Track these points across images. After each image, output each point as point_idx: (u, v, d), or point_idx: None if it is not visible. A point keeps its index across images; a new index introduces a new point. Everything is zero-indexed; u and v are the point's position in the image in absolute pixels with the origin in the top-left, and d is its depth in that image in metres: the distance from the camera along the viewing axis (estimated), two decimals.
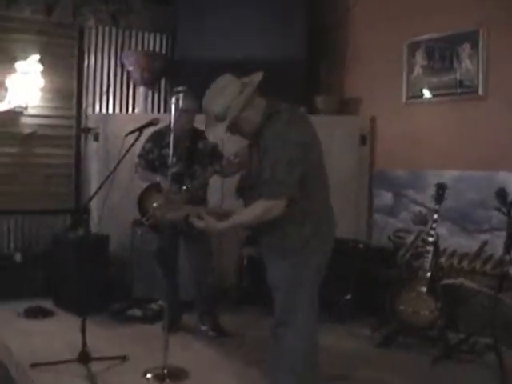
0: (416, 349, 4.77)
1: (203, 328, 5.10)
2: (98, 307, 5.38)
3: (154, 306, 5.51)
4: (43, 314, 5.47)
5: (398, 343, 4.85)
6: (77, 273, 5.37)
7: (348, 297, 5.48)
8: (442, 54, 5.70)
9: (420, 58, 5.87)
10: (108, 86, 6.74)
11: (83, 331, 4.14)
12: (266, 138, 3.13)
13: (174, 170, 4.50)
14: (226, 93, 3.17)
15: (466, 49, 5.48)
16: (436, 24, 5.66)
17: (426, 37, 5.78)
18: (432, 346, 4.72)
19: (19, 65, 6.06)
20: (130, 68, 6.63)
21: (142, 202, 4.91)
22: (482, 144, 5.35)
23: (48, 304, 5.68)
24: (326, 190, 3.39)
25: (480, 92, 5.37)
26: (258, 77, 3.23)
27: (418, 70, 5.90)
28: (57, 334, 4.97)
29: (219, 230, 3.27)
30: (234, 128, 3.24)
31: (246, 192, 3.35)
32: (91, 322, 4.42)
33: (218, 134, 3.25)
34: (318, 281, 3.35)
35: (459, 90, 5.56)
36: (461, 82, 5.53)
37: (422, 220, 5.59)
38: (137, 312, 5.48)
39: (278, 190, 3.09)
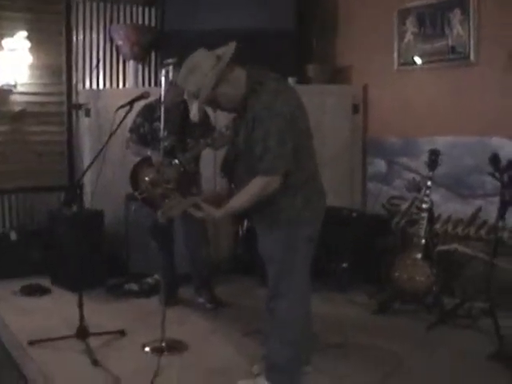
0: (412, 315, 4.79)
1: (200, 300, 5.12)
2: (94, 283, 5.41)
3: (150, 280, 5.52)
4: (40, 291, 5.48)
5: (394, 310, 4.87)
6: (72, 249, 5.35)
7: (344, 265, 5.49)
8: (432, 21, 5.66)
9: (411, 25, 5.83)
10: (98, 61, 6.67)
11: (80, 306, 4.15)
12: (254, 110, 3.09)
13: (165, 143, 4.49)
14: (198, 71, 3.10)
15: (456, 15, 5.45)
16: None
17: (416, 3, 5.75)
18: (428, 311, 4.75)
19: (6, 42, 6.00)
20: (120, 42, 6.57)
21: (135, 176, 4.90)
22: (474, 110, 5.34)
23: (45, 281, 5.68)
24: (314, 161, 3.37)
25: (472, 58, 5.35)
26: (230, 49, 3.15)
27: (409, 36, 5.87)
28: (54, 310, 4.99)
29: (220, 217, 3.23)
30: (212, 104, 3.21)
31: (232, 168, 3.34)
32: (88, 298, 4.44)
33: (195, 114, 3.20)
34: (311, 251, 3.37)
35: (451, 57, 5.53)
36: (452, 48, 5.50)
37: (416, 187, 5.60)
38: (133, 286, 5.49)
39: (274, 165, 3.07)
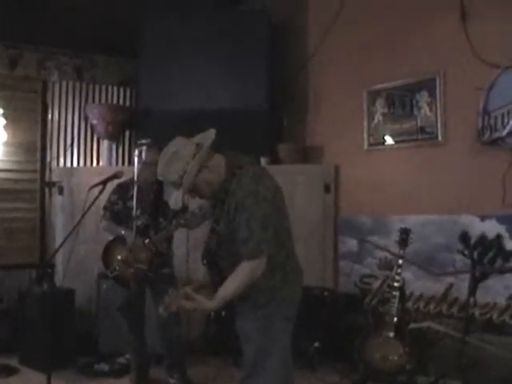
0: None
1: (171, 381, 5.03)
2: (64, 363, 5.32)
3: (121, 359, 5.44)
4: (7, 371, 5.35)
5: None
6: (42, 328, 5.28)
7: (316, 344, 5.46)
8: (401, 102, 5.80)
9: (380, 106, 5.97)
10: (72, 139, 6.74)
11: None
12: (236, 195, 3.09)
13: (138, 222, 4.50)
14: (178, 159, 3.08)
15: (424, 96, 5.59)
16: (394, 72, 5.79)
17: (385, 85, 5.90)
18: None
19: None
20: (94, 121, 6.66)
21: (107, 254, 4.88)
22: (443, 189, 5.42)
23: (13, 361, 5.56)
24: (292, 240, 3.39)
25: (440, 138, 5.46)
26: (210, 135, 3.16)
27: (378, 117, 6.00)
28: None
29: (213, 308, 3.17)
30: (193, 192, 3.20)
31: (215, 256, 3.32)
32: (58, 378, 4.36)
33: (177, 202, 3.21)
34: (290, 329, 3.34)
35: (420, 137, 5.65)
36: (421, 128, 5.63)
37: (388, 265, 5.62)
38: (104, 366, 5.40)
39: (259, 248, 3.06)
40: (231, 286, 3.12)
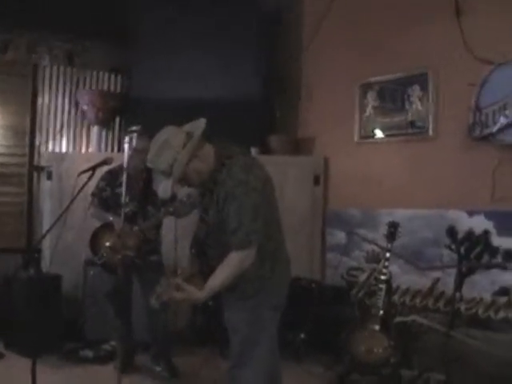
0: None
1: (157, 369, 5.04)
2: (50, 348, 5.29)
3: (106, 346, 5.43)
4: None
5: (351, 381, 4.84)
6: (28, 314, 5.26)
7: (302, 335, 5.48)
8: (393, 96, 5.82)
9: (371, 99, 5.98)
10: (62, 124, 6.70)
11: (33, 374, 4.05)
12: (226, 185, 3.10)
13: (126, 209, 4.48)
14: (169, 147, 3.08)
15: (415, 90, 5.61)
16: (387, 66, 5.80)
17: (377, 78, 5.91)
18: (386, 383, 4.74)
19: None
20: (85, 107, 6.63)
21: (95, 240, 4.87)
22: (432, 183, 5.45)
23: None
24: (281, 231, 3.40)
25: (430, 132, 5.49)
26: (201, 125, 3.16)
27: (369, 110, 6.01)
28: (6, 377, 4.86)
29: (203, 298, 3.17)
30: (182, 181, 3.20)
31: (203, 246, 3.32)
32: (43, 364, 4.34)
33: (166, 191, 3.21)
34: (276, 320, 3.35)
35: (410, 131, 5.67)
36: (412, 122, 5.65)
37: (375, 258, 5.64)
38: (89, 353, 5.39)
39: (248, 239, 3.08)
40: (220, 276, 3.12)
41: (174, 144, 3.09)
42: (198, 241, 3.35)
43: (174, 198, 4.78)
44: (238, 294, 3.26)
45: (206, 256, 3.31)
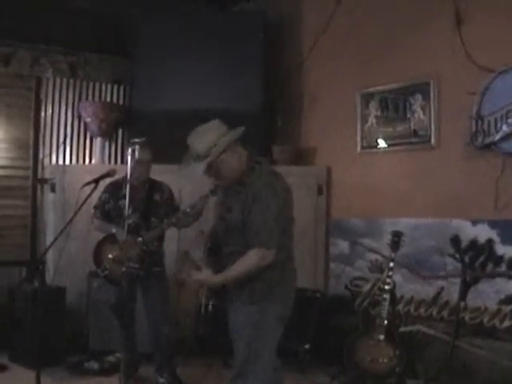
0: None
1: (161, 380, 5.02)
2: (54, 360, 5.30)
3: (111, 358, 5.43)
4: None
5: None
6: (32, 326, 5.26)
7: (307, 346, 5.46)
8: (395, 105, 5.82)
9: (373, 109, 5.98)
10: (65, 136, 6.72)
11: None
12: (255, 187, 3.23)
13: (129, 221, 4.48)
14: (212, 132, 3.27)
15: (418, 100, 5.61)
16: (389, 75, 5.81)
17: (378, 88, 5.91)
18: None
19: None
20: (88, 119, 6.63)
21: (98, 253, 4.87)
22: (435, 192, 5.44)
23: (2, 359, 5.54)
24: (292, 242, 3.48)
25: (433, 142, 5.48)
26: (240, 129, 3.36)
27: (371, 120, 6.01)
28: None
29: (218, 282, 3.34)
30: (212, 169, 3.31)
31: (220, 242, 3.40)
32: (47, 376, 4.35)
33: (196, 173, 3.29)
34: (280, 330, 3.39)
35: (413, 140, 5.66)
36: (415, 131, 5.64)
37: (379, 268, 5.63)
38: (94, 364, 5.38)
39: (270, 240, 3.20)
40: (237, 268, 3.25)
41: (216, 132, 3.29)
42: (216, 237, 3.45)
43: (177, 208, 4.80)
44: (244, 296, 3.32)
45: (216, 254, 3.42)
